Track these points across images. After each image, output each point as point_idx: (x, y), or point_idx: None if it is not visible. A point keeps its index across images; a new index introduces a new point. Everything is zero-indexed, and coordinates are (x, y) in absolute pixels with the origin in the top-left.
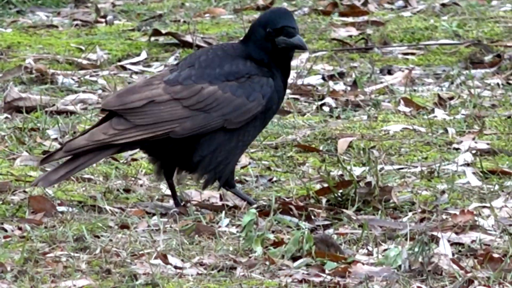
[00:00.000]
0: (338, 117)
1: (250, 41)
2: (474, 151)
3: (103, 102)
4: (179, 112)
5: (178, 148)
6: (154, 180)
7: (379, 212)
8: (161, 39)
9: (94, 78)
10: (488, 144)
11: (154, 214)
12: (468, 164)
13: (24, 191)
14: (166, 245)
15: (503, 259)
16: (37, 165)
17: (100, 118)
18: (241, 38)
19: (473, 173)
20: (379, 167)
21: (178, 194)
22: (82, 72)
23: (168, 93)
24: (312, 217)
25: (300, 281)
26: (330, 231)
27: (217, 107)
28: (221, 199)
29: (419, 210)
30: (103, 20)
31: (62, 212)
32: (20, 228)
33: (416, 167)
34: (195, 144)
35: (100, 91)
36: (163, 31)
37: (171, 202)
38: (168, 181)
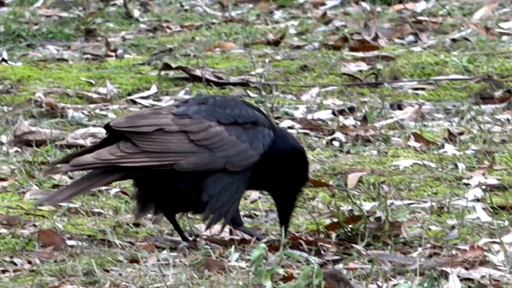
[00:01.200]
0: (348, 152)
1: None
2: (484, 187)
3: (112, 122)
4: (185, 145)
5: (181, 183)
6: (159, 220)
7: (389, 247)
8: (171, 73)
9: (104, 112)
10: (498, 179)
11: (163, 248)
12: (478, 200)
13: (34, 225)
14: (175, 279)
15: None
16: (44, 175)
17: (103, 138)
18: None
19: (483, 208)
20: (389, 202)
21: (188, 228)
22: (92, 106)
23: (177, 124)
24: (322, 252)
25: None
26: (340, 266)
27: (221, 148)
28: (230, 234)
29: (429, 246)
30: (113, 54)
31: (71, 246)
32: (29, 262)
33: (426, 202)
34: (200, 183)
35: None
36: (173, 65)
37: None
38: (172, 222)
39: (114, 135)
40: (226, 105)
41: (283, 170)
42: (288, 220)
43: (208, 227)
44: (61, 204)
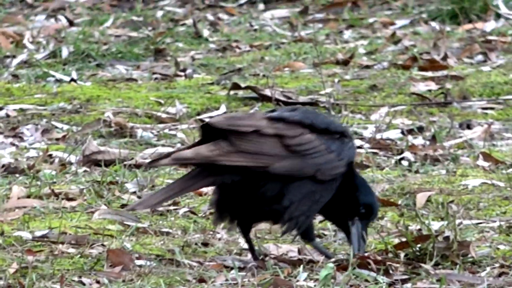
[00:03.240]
0: (416, 172)
1: None
2: None
3: (212, 120)
4: (278, 149)
5: (267, 188)
6: (232, 234)
7: (457, 266)
8: (240, 92)
9: (173, 132)
10: None
11: (232, 268)
12: None
13: (102, 245)
14: None
15: None
16: (145, 166)
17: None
18: None
19: None
20: (457, 221)
21: (256, 248)
22: (161, 125)
23: (273, 128)
24: (390, 271)
25: None
26: (408, 285)
27: (313, 155)
28: (299, 253)
29: (497, 265)
30: (182, 73)
31: (140, 266)
32: (98, 282)
33: (495, 221)
34: (284, 188)
35: (179, 145)
36: (242, 85)
37: (249, 256)
38: (246, 237)
39: (209, 135)
40: (317, 114)
41: (345, 199)
42: (363, 245)
43: (284, 234)
44: (130, 224)
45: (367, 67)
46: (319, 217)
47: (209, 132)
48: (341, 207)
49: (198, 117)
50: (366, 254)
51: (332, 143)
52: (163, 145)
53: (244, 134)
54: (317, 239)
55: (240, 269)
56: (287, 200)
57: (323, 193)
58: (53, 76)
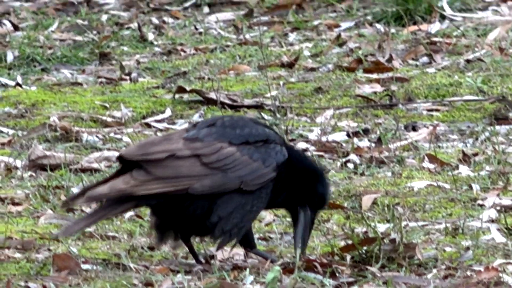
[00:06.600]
0: (362, 174)
1: None
2: (498, 208)
3: (124, 152)
4: (198, 169)
5: (195, 207)
6: (178, 251)
7: (404, 268)
8: (186, 96)
9: (118, 136)
10: None
11: (178, 272)
12: (492, 221)
13: (49, 249)
14: None
15: None
16: (60, 207)
17: (116, 169)
18: None
19: (498, 229)
20: (403, 223)
21: (202, 251)
22: (106, 129)
23: (189, 149)
24: (337, 274)
25: None
26: None
27: (234, 168)
28: (245, 256)
29: (444, 267)
30: (127, 77)
31: (86, 270)
32: (44, 286)
33: (441, 223)
34: (212, 205)
35: (124, 149)
36: (188, 88)
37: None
38: (187, 245)
39: (127, 164)
40: (236, 125)
41: (300, 188)
42: (305, 242)
43: (218, 249)
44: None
45: (312, 69)
46: (266, 220)
47: (125, 163)
48: (296, 194)
49: (143, 121)
50: (312, 257)
51: (255, 152)
52: (108, 149)
53: (158, 161)
54: (263, 243)
55: (186, 272)
56: (216, 216)
57: (255, 202)
58: None
